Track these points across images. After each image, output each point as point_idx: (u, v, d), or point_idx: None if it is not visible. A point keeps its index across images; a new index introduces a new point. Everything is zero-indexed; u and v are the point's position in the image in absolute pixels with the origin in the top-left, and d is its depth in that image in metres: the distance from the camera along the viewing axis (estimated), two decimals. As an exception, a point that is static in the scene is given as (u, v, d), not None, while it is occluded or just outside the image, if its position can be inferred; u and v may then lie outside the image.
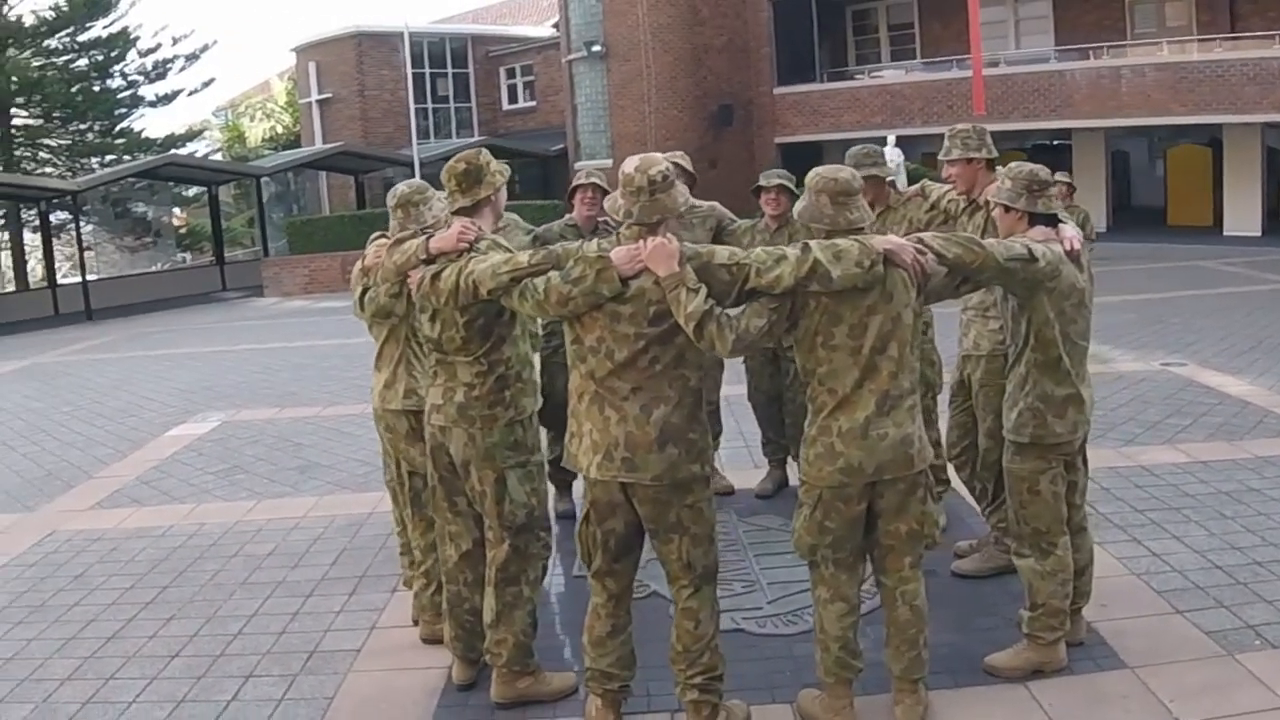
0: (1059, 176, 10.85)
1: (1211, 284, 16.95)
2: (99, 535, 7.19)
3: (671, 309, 3.76)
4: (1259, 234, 22.53)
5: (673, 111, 27.08)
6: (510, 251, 4.24)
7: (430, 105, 35.59)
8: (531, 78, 35.93)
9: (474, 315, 4.26)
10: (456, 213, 4.47)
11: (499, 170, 4.54)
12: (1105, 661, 4.60)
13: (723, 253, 3.90)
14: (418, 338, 4.67)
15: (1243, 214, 23.00)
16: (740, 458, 7.95)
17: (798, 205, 4.13)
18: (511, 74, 36.69)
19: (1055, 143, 27.29)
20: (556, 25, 31.24)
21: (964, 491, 5.97)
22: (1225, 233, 23.08)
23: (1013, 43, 26.78)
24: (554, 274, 3.90)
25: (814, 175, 4.05)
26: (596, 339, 3.89)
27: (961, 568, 5.63)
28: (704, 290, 3.75)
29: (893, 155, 21.88)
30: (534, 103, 35.81)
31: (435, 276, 4.24)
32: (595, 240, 4.08)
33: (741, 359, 6.96)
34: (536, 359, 6.04)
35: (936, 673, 4.45)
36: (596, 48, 26.94)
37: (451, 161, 4.53)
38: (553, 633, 5.23)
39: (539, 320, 5.04)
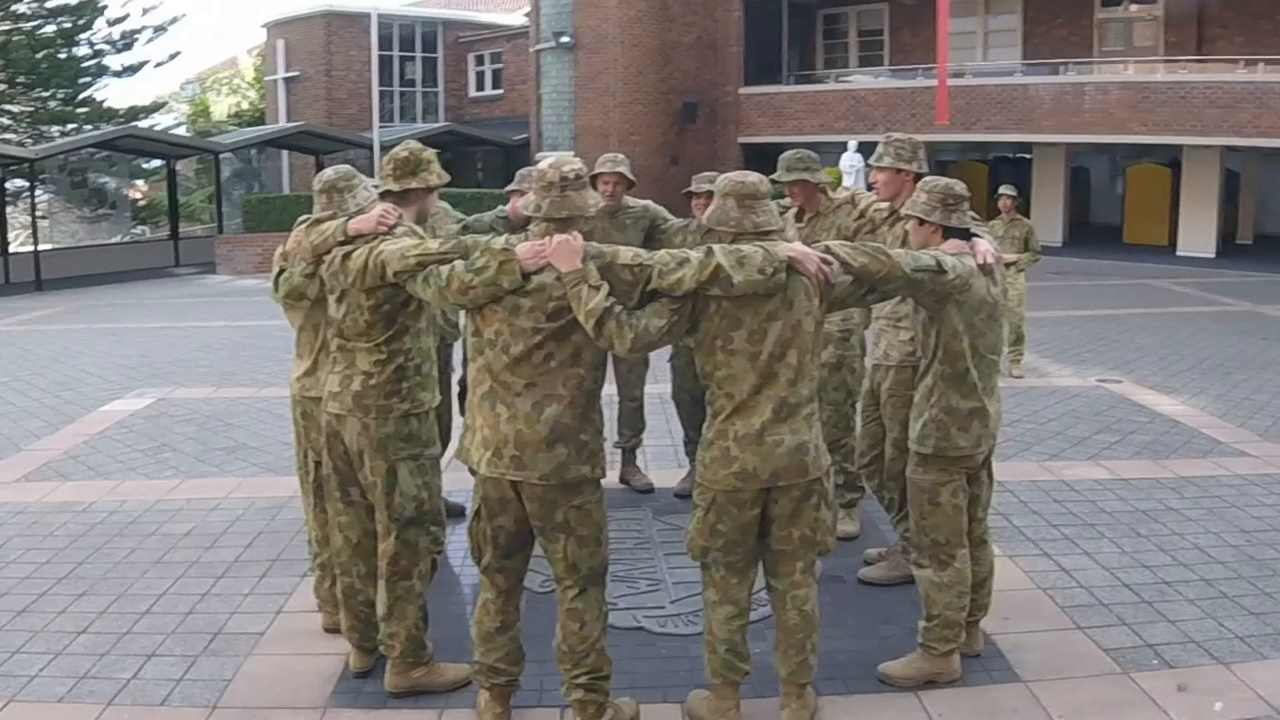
0: (1003, 189, 10.95)
1: (1160, 303, 17.10)
2: (22, 508, 7.12)
3: (572, 305, 3.76)
4: (1212, 255, 22.72)
5: (638, 106, 27.02)
6: (424, 239, 4.24)
7: (397, 88, 35.36)
8: (500, 65, 35.70)
9: (379, 300, 4.24)
10: (383, 196, 4.47)
11: (438, 173, 4.56)
12: (999, 674, 4.64)
13: (626, 253, 3.90)
14: None
15: (1197, 235, 23.20)
16: (666, 456, 7.96)
17: (709, 209, 4.13)
18: (480, 61, 36.42)
19: (1016, 156, 27.46)
20: (528, 14, 31.11)
21: (879, 500, 5.99)
22: (1179, 253, 23.25)
23: (980, 54, 26.87)
24: (459, 262, 3.90)
25: (722, 179, 4.08)
26: (495, 332, 3.88)
27: (868, 575, 5.66)
28: (605, 288, 3.75)
29: (854, 161, 22.03)
30: (501, 91, 35.57)
31: (346, 256, 4.24)
32: (505, 235, 4.08)
33: (668, 358, 6.97)
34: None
35: (831, 678, 4.49)
36: (565, 39, 26.81)
37: (397, 147, 4.55)
38: (463, 622, 5.20)
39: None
